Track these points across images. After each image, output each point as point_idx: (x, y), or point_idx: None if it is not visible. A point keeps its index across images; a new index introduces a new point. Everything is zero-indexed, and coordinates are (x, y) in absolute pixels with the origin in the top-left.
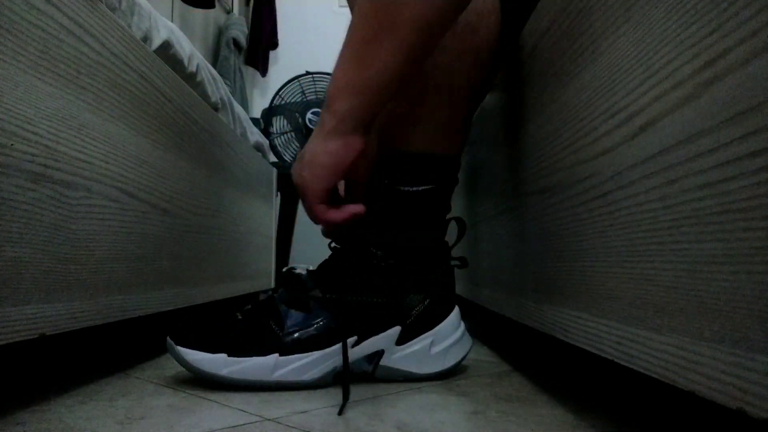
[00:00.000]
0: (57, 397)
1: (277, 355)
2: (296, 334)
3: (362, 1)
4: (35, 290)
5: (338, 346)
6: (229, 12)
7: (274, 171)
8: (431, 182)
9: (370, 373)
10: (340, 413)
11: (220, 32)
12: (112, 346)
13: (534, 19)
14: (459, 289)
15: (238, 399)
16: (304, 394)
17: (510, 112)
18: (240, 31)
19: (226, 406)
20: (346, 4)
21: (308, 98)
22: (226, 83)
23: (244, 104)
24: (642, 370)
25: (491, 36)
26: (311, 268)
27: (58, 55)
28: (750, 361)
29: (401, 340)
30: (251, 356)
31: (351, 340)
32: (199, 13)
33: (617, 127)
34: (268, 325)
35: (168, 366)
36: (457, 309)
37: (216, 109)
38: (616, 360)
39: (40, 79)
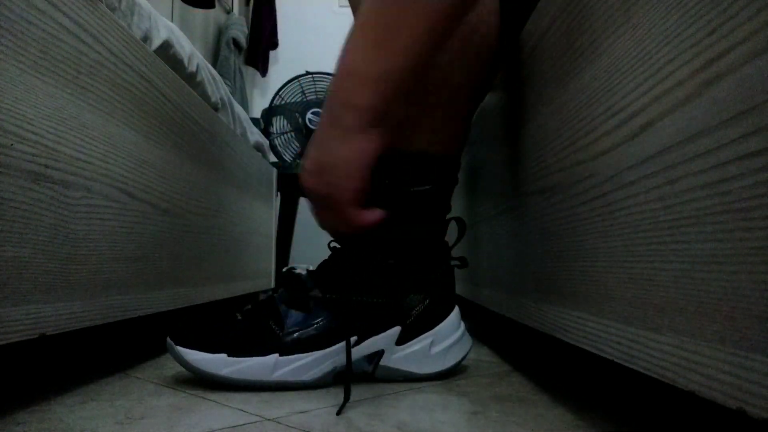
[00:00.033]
0: (57, 397)
1: (277, 355)
2: (296, 334)
3: None
4: (35, 290)
5: (338, 346)
6: (229, 12)
7: (274, 171)
8: (431, 182)
9: (370, 373)
10: (339, 413)
11: (220, 32)
12: (112, 346)
13: (534, 19)
14: (459, 289)
15: (238, 399)
16: (304, 394)
17: (510, 112)
18: (240, 31)
19: (226, 406)
20: (346, 4)
21: (308, 98)
22: (226, 83)
23: (244, 104)
24: (642, 370)
25: (491, 36)
26: (311, 268)
27: (58, 55)
28: (750, 361)
29: (401, 340)
30: (251, 356)
31: (351, 340)
32: (199, 13)
33: (617, 127)
34: (268, 325)
35: (168, 366)
36: (457, 309)
37: (216, 109)
38: (616, 360)
39: (40, 79)
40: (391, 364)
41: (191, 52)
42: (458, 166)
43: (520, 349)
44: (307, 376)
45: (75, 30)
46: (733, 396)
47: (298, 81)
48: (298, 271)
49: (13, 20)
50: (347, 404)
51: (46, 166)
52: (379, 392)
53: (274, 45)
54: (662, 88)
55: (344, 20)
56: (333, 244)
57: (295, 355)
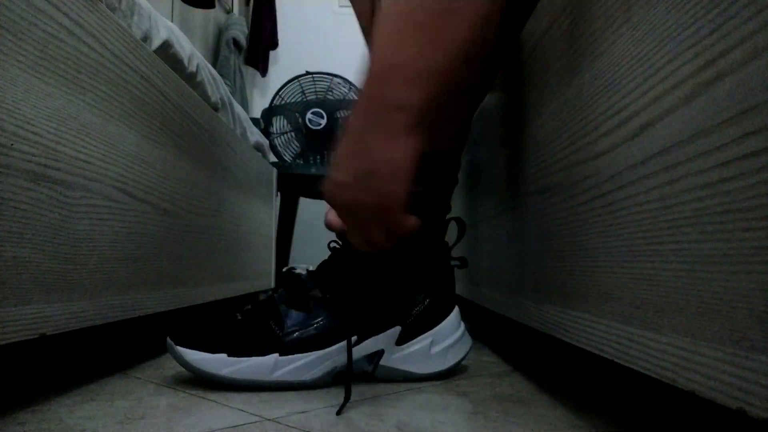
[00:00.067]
0: (57, 397)
1: (277, 355)
2: (296, 334)
3: None
4: (35, 290)
5: (338, 346)
6: (229, 12)
7: (274, 171)
8: (431, 182)
9: (370, 373)
10: (339, 413)
11: (220, 32)
12: (112, 346)
13: (534, 19)
14: (459, 289)
15: (238, 399)
16: (304, 394)
17: (510, 112)
18: (240, 31)
19: (226, 406)
20: (346, 4)
21: (308, 98)
22: (226, 83)
23: (244, 104)
24: (642, 370)
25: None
26: (311, 268)
27: (58, 55)
28: (750, 361)
29: (401, 340)
30: (251, 356)
31: (351, 340)
32: (199, 13)
33: (617, 127)
34: (268, 325)
35: (168, 366)
36: (457, 309)
37: (216, 109)
38: (616, 360)
39: (40, 79)
40: (391, 364)
41: (191, 52)
42: (458, 166)
43: (520, 349)
44: (307, 376)
45: (75, 30)
46: (733, 396)
47: (298, 81)
48: (298, 271)
49: (13, 20)
50: (347, 404)
51: (46, 166)
52: (379, 392)
53: (274, 45)
54: (662, 88)
55: (344, 20)
56: (333, 244)
57: (295, 355)
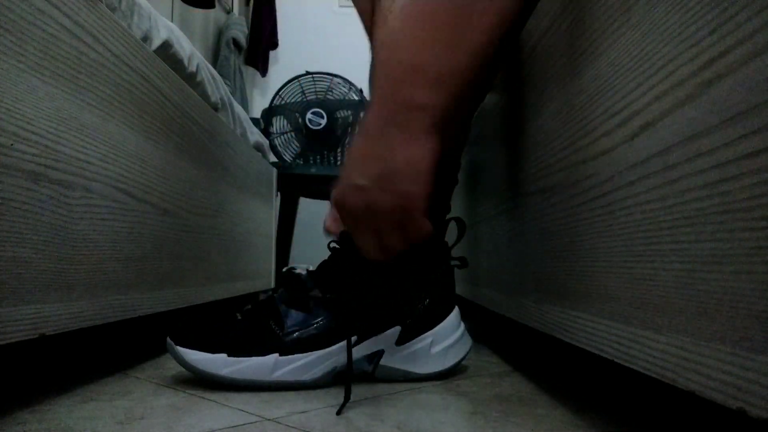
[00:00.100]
0: (57, 397)
1: (277, 355)
2: (296, 334)
3: None
4: (35, 290)
5: (338, 346)
6: (229, 12)
7: (274, 171)
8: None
9: (370, 373)
10: (339, 413)
11: (220, 32)
12: (112, 346)
13: (534, 19)
14: (459, 289)
15: (238, 399)
16: (304, 394)
17: (510, 112)
18: (240, 31)
19: (226, 406)
20: (345, 4)
21: (308, 98)
22: (226, 83)
23: (244, 104)
24: (642, 370)
25: None
26: (311, 268)
27: (58, 55)
28: (750, 361)
29: (401, 340)
30: (251, 356)
31: (351, 340)
32: (199, 13)
33: (617, 127)
34: (268, 325)
35: (168, 366)
36: (456, 309)
37: (216, 109)
38: (616, 360)
39: (40, 79)
40: (391, 364)
41: (191, 52)
42: (458, 166)
43: (520, 349)
44: (307, 376)
45: (75, 30)
46: (733, 396)
47: (298, 81)
48: (298, 271)
49: (14, 20)
50: (347, 404)
51: (46, 166)
52: (379, 392)
53: (274, 45)
54: (662, 88)
55: (344, 20)
56: (333, 245)
57: (295, 355)
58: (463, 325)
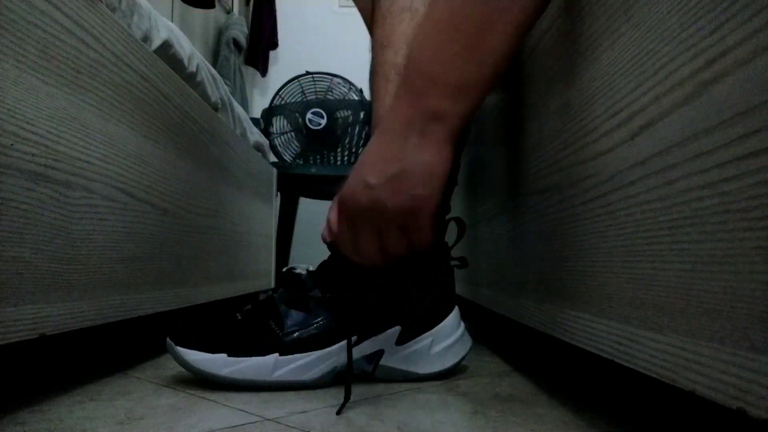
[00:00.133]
0: (57, 397)
1: (277, 355)
2: (296, 334)
3: None
4: (35, 290)
5: (338, 346)
6: (229, 12)
7: (274, 171)
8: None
9: (370, 373)
10: (339, 413)
11: (220, 32)
12: (112, 346)
13: None
14: (459, 289)
15: (238, 399)
16: (304, 394)
17: (510, 112)
18: (240, 31)
19: (226, 406)
20: (345, 4)
21: (308, 98)
22: (226, 83)
23: (244, 104)
24: (642, 370)
25: None
26: (311, 268)
27: (58, 55)
28: (750, 361)
29: (401, 340)
30: (251, 356)
31: (351, 339)
32: (199, 13)
33: (617, 127)
34: (268, 325)
35: (168, 366)
36: (456, 309)
37: (216, 109)
38: (616, 360)
39: (40, 79)
40: (391, 364)
41: (191, 52)
42: (458, 167)
43: (520, 349)
44: (307, 376)
45: (75, 30)
46: (733, 396)
47: (298, 81)
48: (298, 271)
49: (13, 20)
50: (347, 404)
51: (46, 166)
52: (379, 392)
53: (274, 45)
54: (662, 88)
55: (344, 20)
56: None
57: (295, 355)
58: (463, 325)
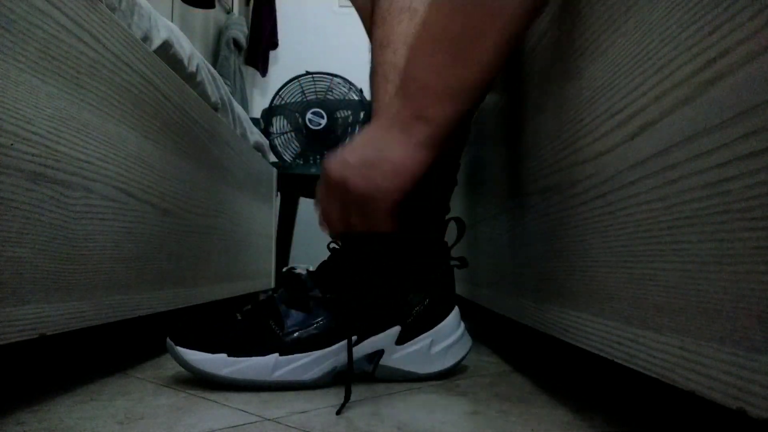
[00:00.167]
0: (57, 397)
1: (277, 355)
2: (296, 334)
3: None
4: (35, 290)
5: (338, 346)
6: (229, 12)
7: (274, 171)
8: (430, 184)
9: (370, 373)
10: (338, 413)
11: (220, 32)
12: (112, 346)
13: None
14: (459, 289)
15: (238, 399)
16: (304, 394)
17: (510, 112)
18: (240, 31)
19: (226, 406)
20: (345, 4)
21: (308, 98)
22: (226, 83)
23: (244, 104)
24: (642, 370)
25: None
26: (311, 268)
27: (58, 55)
28: (750, 361)
29: (401, 340)
30: (251, 356)
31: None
32: (199, 13)
33: (617, 127)
34: (268, 325)
35: (168, 366)
36: (456, 309)
37: (216, 109)
38: (616, 360)
39: (40, 79)
40: (391, 364)
41: (191, 52)
42: (458, 167)
43: (520, 349)
44: (307, 376)
45: (75, 30)
46: (733, 396)
47: (298, 81)
48: (298, 271)
49: (14, 20)
50: (347, 404)
51: (46, 166)
52: (379, 392)
53: (274, 45)
54: (662, 88)
55: (344, 20)
56: (332, 245)
57: (295, 355)
58: (463, 325)
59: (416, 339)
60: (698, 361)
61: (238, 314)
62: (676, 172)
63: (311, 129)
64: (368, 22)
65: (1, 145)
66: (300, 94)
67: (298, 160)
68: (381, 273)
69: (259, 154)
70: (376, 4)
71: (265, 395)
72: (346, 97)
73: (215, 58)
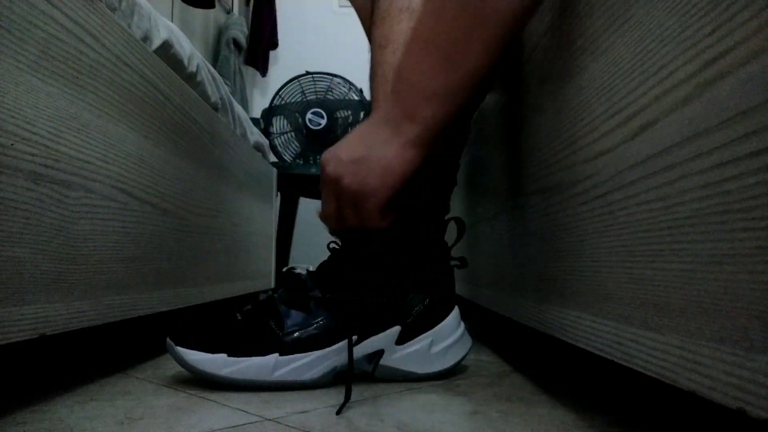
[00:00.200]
0: (57, 397)
1: (277, 355)
2: (296, 334)
3: None
4: (35, 290)
5: (338, 346)
6: (229, 12)
7: (274, 171)
8: (430, 184)
9: (370, 373)
10: (338, 413)
11: (220, 32)
12: (112, 346)
13: (534, 19)
14: (459, 289)
15: (238, 399)
16: (304, 394)
17: (510, 112)
18: (240, 31)
19: (226, 406)
20: (346, 4)
21: (308, 98)
22: (226, 83)
23: (244, 104)
24: (642, 370)
25: None
26: (311, 268)
27: (58, 55)
28: (750, 361)
29: (401, 340)
30: (251, 356)
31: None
32: (199, 13)
33: (617, 127)
34: (268, 325)
35: (168, 366)
36: (456, 309)
37: (216, 109)
38: (616, 360)
39: (40, 79)
40: (391, 364)
41: (191, 52)
42: (457, 167)
43: (520, 349)
44: (307, 376)
45: (75, 30)
46: (733, 396)
47: (298, 81)
48: (298, 271)
49: (14, 20)
50: (347, 404)
51: (46, 166)
52: (379, 392)
53: (274, 45)
54: (662, 88)
55: (344, 20)
56: (332, 245)
57: (295, 355)
58: (463, 325)
59: (416, 339)
60: (698, 361)
61: (238, 314)
62: (676, 172)
63: (311, 129)
64: (368, 22)
65: (1, 145)
66: (300, 94)
67: (298, 160)
68: (381, 273)
69: (259, 154)
70: (376, 4)
71: (265, 395)
72: (346, 97)
73: (215, 58)
